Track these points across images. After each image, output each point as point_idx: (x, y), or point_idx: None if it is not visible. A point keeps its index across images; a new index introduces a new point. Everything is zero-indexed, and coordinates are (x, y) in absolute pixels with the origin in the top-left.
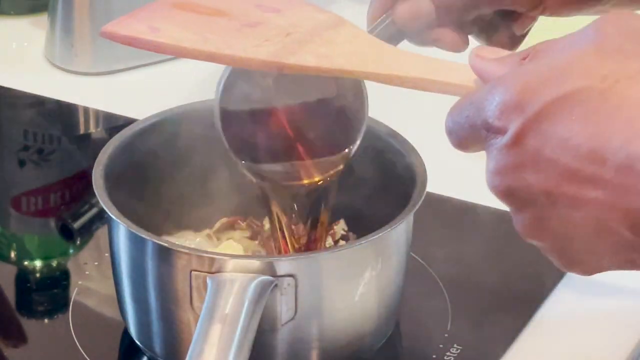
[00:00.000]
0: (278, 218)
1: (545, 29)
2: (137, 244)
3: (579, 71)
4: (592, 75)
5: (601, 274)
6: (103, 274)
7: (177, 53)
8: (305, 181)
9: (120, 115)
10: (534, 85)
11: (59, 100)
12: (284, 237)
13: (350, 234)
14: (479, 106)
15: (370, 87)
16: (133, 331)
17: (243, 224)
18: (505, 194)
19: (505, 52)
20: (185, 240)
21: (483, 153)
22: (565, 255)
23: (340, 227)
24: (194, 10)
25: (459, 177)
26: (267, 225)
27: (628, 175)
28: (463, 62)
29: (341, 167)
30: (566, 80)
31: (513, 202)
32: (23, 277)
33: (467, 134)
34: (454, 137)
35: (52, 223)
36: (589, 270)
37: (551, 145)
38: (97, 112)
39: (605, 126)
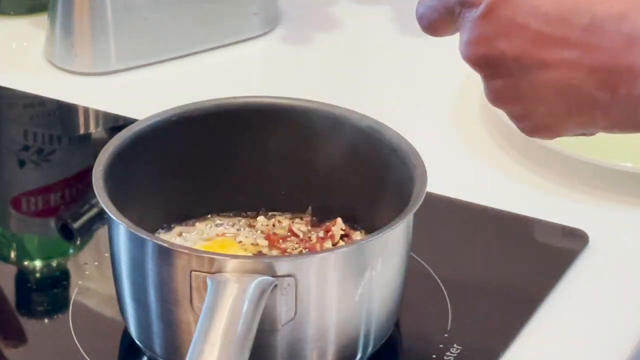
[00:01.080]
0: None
1: None
2: (137, 244)
3: None
4: None
5: (602, 274)
6: (103, 274)
7: None
8: None
9: (120, 115)
10: None
11: (59, 100)
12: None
13: (352, 231)
14: None
15: (371, 87)
16: (133, 331)
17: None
18: (479, 62)
19: None
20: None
21: (483, 153)
22: (531, 120)
23: (339, 227)
24: None
25: (459, 177)
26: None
27: (593, 34)
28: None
29: None
30: None
31: (486, 70)
32: (23, 277)
33: (440, 15)
34: (426, 21)
35: (52, 223)
36: (552, 134)
37: (522, 13)
38: (97, 112)
39: None
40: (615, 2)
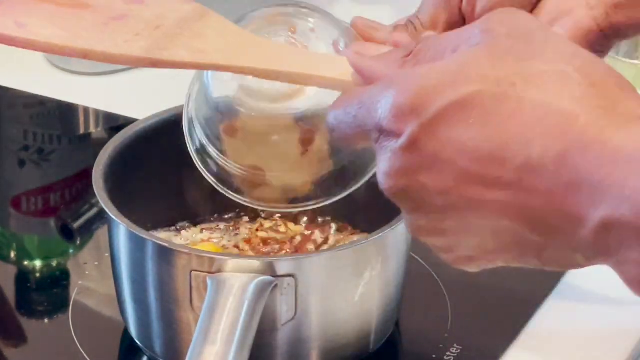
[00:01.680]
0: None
1: None
2: (137, 244)
3: (473, 75)
4: (487, 79)
5: (602, 274)
6: (103, 274)
7: (48, 50)
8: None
9: (120, 115)
10: (429, 90)
11: (59, 100)
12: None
13: (348, 234)
14: (370, 107)
15: None
16: (133, 331)
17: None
18: (398, 195)
19: (384, 49)
20: (186, 239)
21: None
22: (456, 254)
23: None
24: (54, 2)
25: None
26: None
27: (528, 176)
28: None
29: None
30: (462, 84)
31: (406, 203)
32: (23, 277)
33: (354, 133)
34: (338, 134)
35: (52, 223)
36: (478, 267)
37: (448, 148)
38: (97, 112)
39: (504, 130)
40: (551, 143)
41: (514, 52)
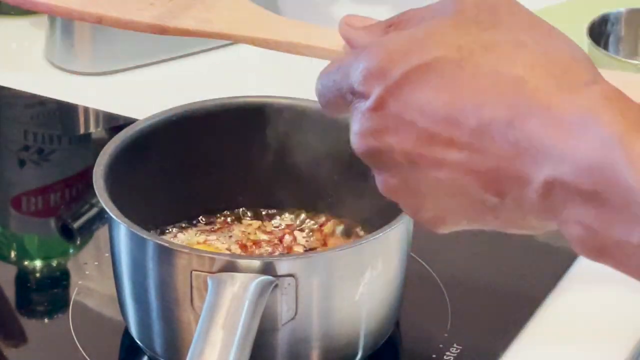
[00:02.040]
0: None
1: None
2: (137, 243)
3: (437, 42)
4: (449, 45)
5: (602, 274)
6: (103, 274)
7: (67, 15)
8: None
9: (120, 115)
10: (396, 54)
11: (59, 100)
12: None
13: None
14: (345, 71)
15: None
16: (133, 331)
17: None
18: (368, 155)
19: (373, 21)
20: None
21: None
22: (421, 213)
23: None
24: None
25: None
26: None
27: (480, 138)
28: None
29: None
30: (425, 50)
31: (376, 162)
32: (23, 277)
33: (334, 97)
34: (322, 99)
35: (52, 223)
36: (444, 228)
37: (410, 110)
38: (97, 112)
39: (459, 94)
40: (501, 107)
41: (477, 22)
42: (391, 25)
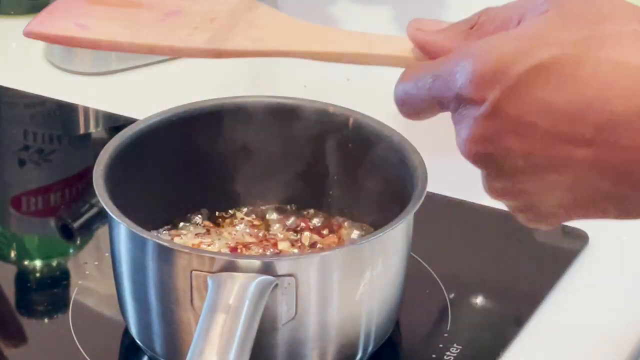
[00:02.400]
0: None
1: None
2: (137, 243)
3: (550, 40)
4: (563, 42)
5: (602, 274)
6: (103, 274)
7: (113, 48)
8: None
9: (120, 115)
10: (508, 56)
11: (59, 100)
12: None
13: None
14: (447, 78)
15: (371, 86)
16: (133, 331)
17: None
18: (479, 159)
19: (443, 24)
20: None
21: None
22: (535, 212)
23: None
24: (107, 3)
25: (459, 177)
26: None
27: (611, 132)
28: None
29: None
30: (539, 49)
31: (488, 168)
32: (23, 277)
33: (427, 105)
34: (408, 108)
35: (52, 223)
36: (556, 223)
37: (531, 111)
38: (97, 112)
39: (584, 90)
40: (632, 99)
41: (585, 17)
42: (472, 26)
